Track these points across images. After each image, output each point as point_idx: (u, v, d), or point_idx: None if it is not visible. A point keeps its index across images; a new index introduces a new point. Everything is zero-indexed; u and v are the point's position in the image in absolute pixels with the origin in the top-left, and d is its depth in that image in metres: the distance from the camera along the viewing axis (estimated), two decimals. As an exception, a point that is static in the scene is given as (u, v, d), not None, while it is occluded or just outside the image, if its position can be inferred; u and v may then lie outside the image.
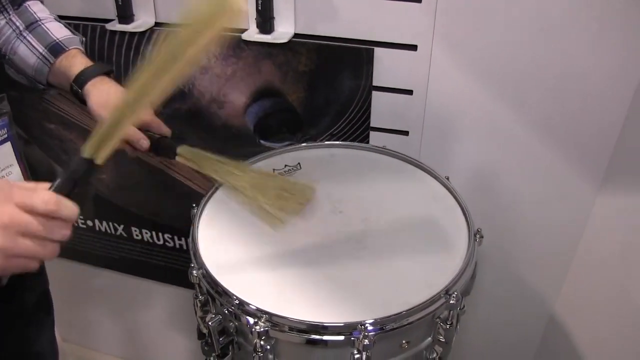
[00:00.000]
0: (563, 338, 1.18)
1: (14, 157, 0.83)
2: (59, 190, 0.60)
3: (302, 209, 0.86)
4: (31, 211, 0.55)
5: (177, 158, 0.88)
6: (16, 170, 0.84)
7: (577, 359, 1.13)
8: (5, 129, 0.80)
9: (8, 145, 0.81)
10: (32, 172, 1.38)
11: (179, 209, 1.33)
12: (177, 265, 1.44)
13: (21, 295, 0.94)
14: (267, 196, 0.85)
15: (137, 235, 1.42)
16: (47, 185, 0.59)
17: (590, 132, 0.97)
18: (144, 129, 0.88)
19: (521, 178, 1.05)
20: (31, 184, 0.58)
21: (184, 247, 1.39)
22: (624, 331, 1.01)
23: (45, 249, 0.58)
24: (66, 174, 0.63)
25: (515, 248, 1.15)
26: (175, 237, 1.38)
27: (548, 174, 1.03)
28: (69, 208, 0.58)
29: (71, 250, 1.52)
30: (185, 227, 1.35)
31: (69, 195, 0.60)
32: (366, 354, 0.67)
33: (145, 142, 0.86)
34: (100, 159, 0.65)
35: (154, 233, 1.40)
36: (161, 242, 1.40)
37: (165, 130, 0.90)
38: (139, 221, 1.39)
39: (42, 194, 0.56)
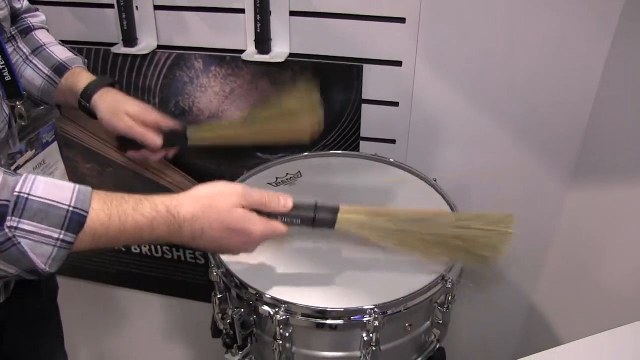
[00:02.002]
0: (542, 327, 1.28)
1: (60, 155, 0.91)
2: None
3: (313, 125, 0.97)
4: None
5: (190, 141, 0.97)
6: (61, 166, 0.93)
7: (557, 343, 1.22)
8: (53, 130, 0.91)
9: (55, 145, 0.90)
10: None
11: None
12: (174, 276, 1.50)
13: (36, 298, 0.99)
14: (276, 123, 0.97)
15: (135, 249, 1.47)
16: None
17: (558, 135, 1.08)
18: (153, 127, 0.94)
19: (499, 178, 1.15)
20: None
21: (182, 258, 1.45)
22: (595, 316, 1.10)
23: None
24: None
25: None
26: (174, 249, 1.44)
27: (523, 174, 1.14)
28: None
29: (70, 267, 1.56)
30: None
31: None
32: (375, 336, 0.75)
33: (157, 140, 0.93)
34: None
35: (152, 246, 1.45)
36: (159, 254, 1.46)
37: (173, 123, 0.97)
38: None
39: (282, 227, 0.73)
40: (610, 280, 1.06)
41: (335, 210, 0.75)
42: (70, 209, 0.57)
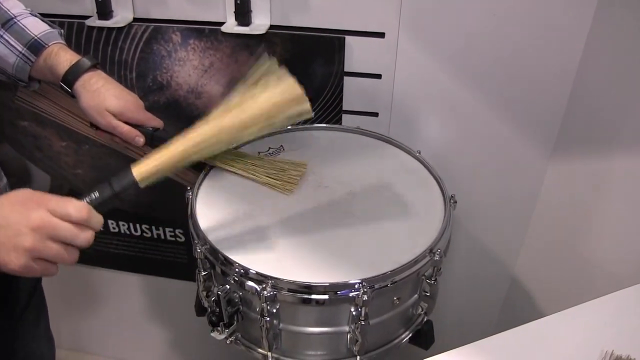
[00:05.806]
0: (525, 298, 1.29)
1: None
2: (94, 203, 0.66)
3: (296, 183, 0.92)
4: (63, 217, 0.59)
5: None
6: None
7: (537, 314, 1.24)
8: None
9: None
10: (4, 170, 1.39)
11: (156, 199, 1.36)
12: (154, 255, 1.48)
13: (15, 296, 0.96)
14: (262, 175, 0.92)
15: (114, 228, 1.44)
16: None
17: (540, 108, 1.08)
18: (137, 125, 0.90)
19: (481, 151, 1.15)
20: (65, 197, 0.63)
21: (162, 236, 1.43)
22: (575, 284, 1.12)
23: (69, 255, 0.62)
24: (110, 192, 0.70)
25: (478, 216, 1.25)
26: (153, 227, 1.42)
27: (505, 146, 1.13)
28: (98, 218, 0.63)
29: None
30: (162, 217, 1.39)
31: (97, 207, 0.66)
32: (365, 310, 0.74)
33: (140, 139, 0.89)
34: (144, 184, 0.74)
35: (131, 225, 1.43)
36: (139, 233, 1.44)
37: (157, 123, 0.92)
38: (115, 213, 1.42)
39: (76, 203, 0.61)
40: (591, 251, 1.07)
41: (128, 171, 0.73)
42: None
